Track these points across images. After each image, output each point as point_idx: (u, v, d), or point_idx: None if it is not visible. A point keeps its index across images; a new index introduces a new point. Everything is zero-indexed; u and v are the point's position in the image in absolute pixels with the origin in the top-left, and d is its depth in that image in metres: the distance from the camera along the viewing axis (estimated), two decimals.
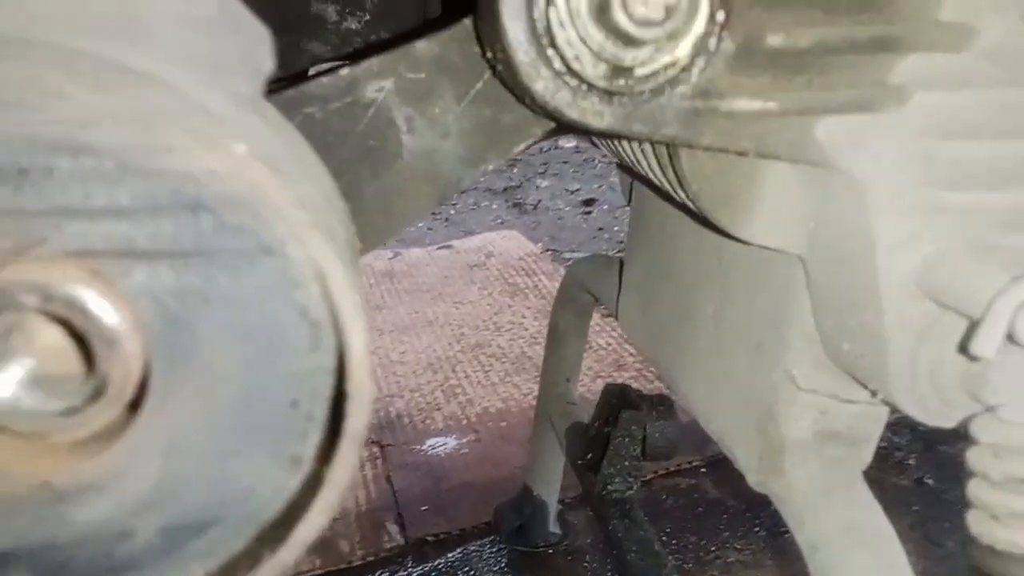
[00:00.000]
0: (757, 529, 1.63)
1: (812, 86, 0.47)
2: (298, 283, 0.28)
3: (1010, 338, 0.45)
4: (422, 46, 0.55)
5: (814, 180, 0.55)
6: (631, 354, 2.24)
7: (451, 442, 2.00)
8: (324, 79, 0.55)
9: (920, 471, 1.76)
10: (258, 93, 0.33)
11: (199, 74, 0.30)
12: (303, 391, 0.30)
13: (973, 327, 0.46)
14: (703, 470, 1.81)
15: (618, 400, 1.16)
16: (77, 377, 0.28)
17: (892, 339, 0.54)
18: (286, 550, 0.31)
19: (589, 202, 3.48)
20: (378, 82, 0.55)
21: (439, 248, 3.02)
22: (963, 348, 0.48)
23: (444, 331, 2.51)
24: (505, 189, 3.65)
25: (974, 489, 0.50)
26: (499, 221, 3.37)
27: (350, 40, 1.04)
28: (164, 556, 0.30)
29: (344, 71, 0.55)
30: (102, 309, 0.27)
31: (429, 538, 1.71)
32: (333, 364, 0.30)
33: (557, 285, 1.92)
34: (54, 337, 0.28)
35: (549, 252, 3.05)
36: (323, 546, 1.73)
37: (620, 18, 0.43)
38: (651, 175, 0.68)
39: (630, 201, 1.05)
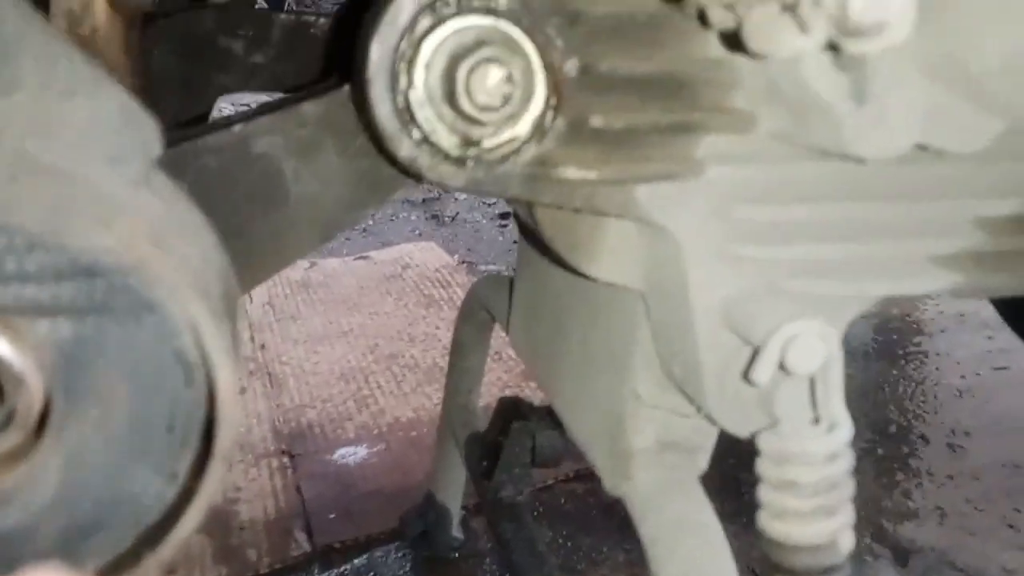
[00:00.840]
0: None
1: (629, 159, 0.57)
2: (174, 334, 0.36)
3: (782, 367, 0.56)
4: (308, 107, 0.63)
5: (646, 228, 0.65)
6: (517, 356, 2.35)
7: (361, 451, 2.06)
8: (220, 134, 0.62)
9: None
10: (151, 170, 0.41)
11: (100, 163, 0.37)
12: (178, 419, 0.37)
13: (753, 357, 0.57)
14: (595, 475, 1.92)
15: (510, 412, 1.26)
16: None
17: (705, 363, 0.64)
18: (164, 548, 0.38)
19: (505, 215, 3.58)
20: (268, 137, 0.63)
21: (356, 259, 3.07)
22: (746, 375, 0.58)
23: (359, 342, 2.56)
24: (423, 201, 3.71)
25: (761, 492, 0.60)
26: (416, 233, 3.43)
27: (257, 74, 1.11)
28: (63, 553, 0.37)
29: (237, 127, 0.62)
30: (10, 355, 0.34)
31: (336, 545, 1.77)
32: (204, 397, 0.37)
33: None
34: None
35: (465, 264, 3.13)
36: (230, 555, 1.76)
37: (465, 104, 0.52)
38: (527, 221, 0.78)
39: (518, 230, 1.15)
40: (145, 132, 0.40)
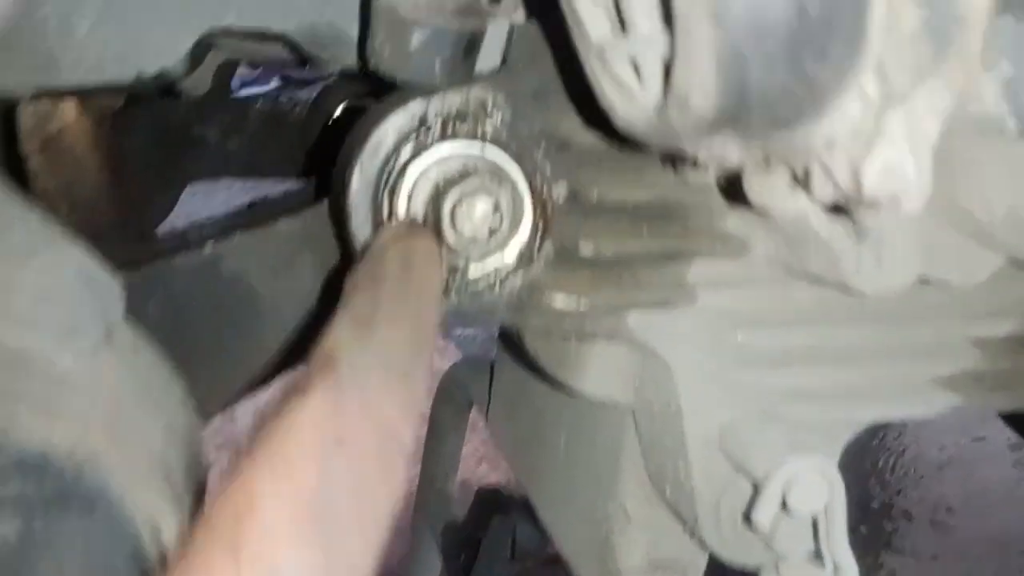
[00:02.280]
0: None
1: (620, 286, 0.55)
2: (131, 531, 0.32)
3: (784, 507, 0.54)
4: (284, 224, 0.60)
5: (636, 347, 0.63)
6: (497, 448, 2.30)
7: None
8: (189, 255, 0.59)
9: None
10: (110, 332, 0.38)
11: (53, 335, 0.34)
12: None
13: (754, 495, 0.54)
14: None
15: (489, 504, 1.21)
16: None
17: (699, 491, 0.62)
18: None
19: None
20: (241, 257, 0.60)
21: None
22: (747, 515, 0.56)
23: None
24: None
25: None
26: None
27: (231, 161, 1.09)
28: None
29: (208, 248, 0.59)
30: None
31: None
32: None
33: (447, 364, 1.95)
34: None
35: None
36: None
37: (450, 236, 0.50)
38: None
39: None
40: (105, 296, 0.37)
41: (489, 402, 1.14)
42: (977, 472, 1.91)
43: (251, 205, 0.74)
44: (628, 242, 0.54)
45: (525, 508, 1.21)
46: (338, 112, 1.05)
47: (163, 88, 0.86)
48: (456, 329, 3.12)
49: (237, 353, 0.61)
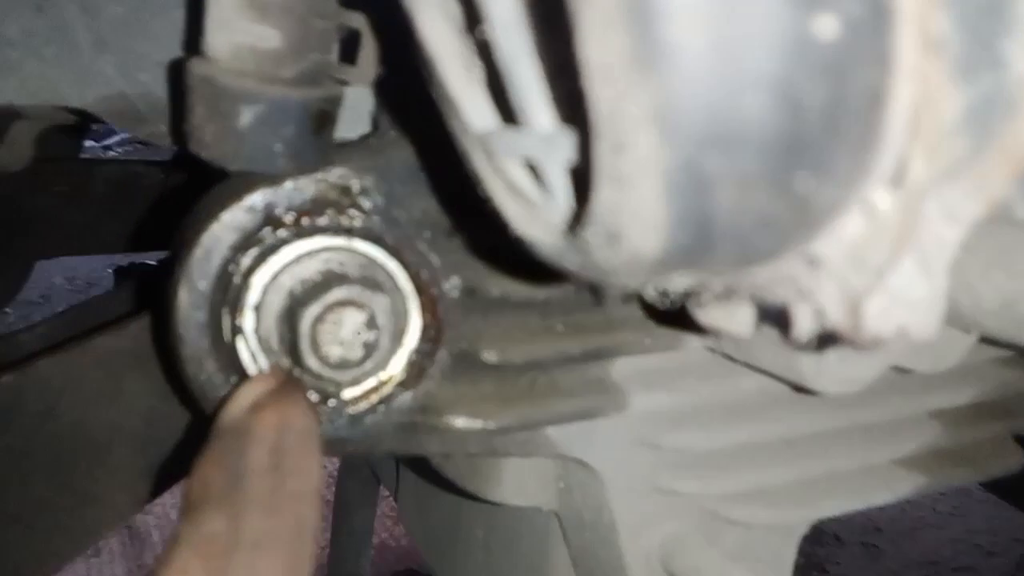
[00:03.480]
0: None
1: (533, 393, 0.45)
2: None
3: None
4: (106, 340, 0.48)
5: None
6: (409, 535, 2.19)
7: None
8: None
9: None
10: None
11: None
12: None
13: None
14: None
15: None
16: None
17: None
18: None
19: None
20: (51, 384, 0.47)
21: None
22: None
23: None
24: None
25: None
26: None
27: (76, 235, 0.94)
28: None
29: (6, 378, 0.46)
30: None
31: None
32: None
33: None
34: None
35: None
36: None
37: (312, 363, 0.39)
38: None
39: None
40: None
41: (397, 483, 1.02)
42: None
43: (78, 307, 0.60)
44: (540, 343, 0.44)
45: None
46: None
47: None
48: None
49: (55, 508, 0.48)
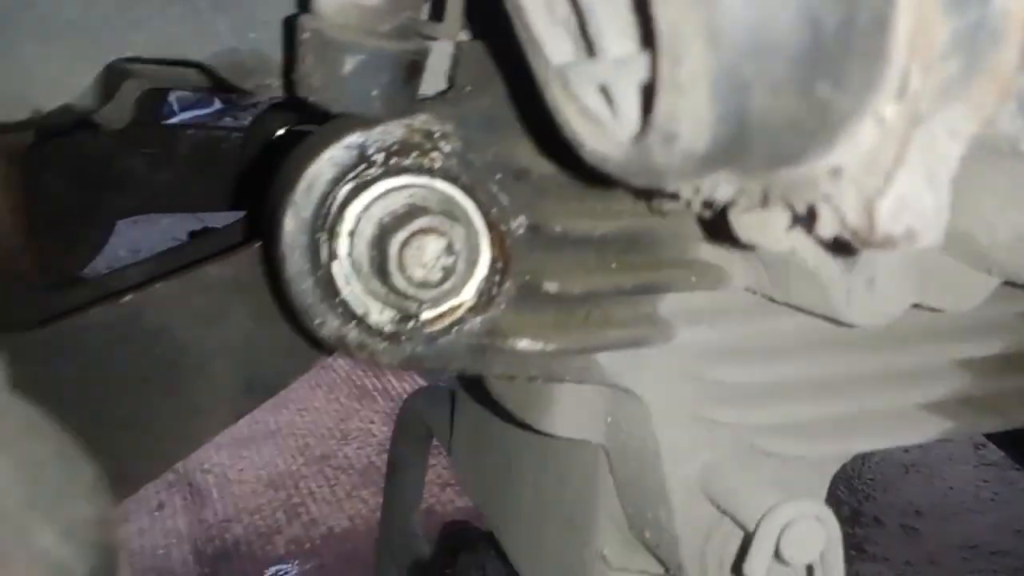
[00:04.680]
0: None
1: (589, 323, 0.50)
2: None
3: (777, 556, 0.49)
4: (213, 270, 0.54)
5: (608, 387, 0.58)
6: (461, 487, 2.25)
7: (293, 570, 1.90)
8: (106, 308, 0.52)
9: None
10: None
11: None
12: None
13: (745, 546, 0.49)
14: None
15: (456, 540, 1.15)
16: None
17: (682, 536, 0.57)
18: None
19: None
20: (165, 307, 0.53)
21: None
22: (737, 567, 0.51)
23: (287, 442, 2.41)
24: None
25: None
26: None
27: (162, 194, 1.01)
28: None
29: (127, 297, 0.53)
30: None
31: None
32: None
33: (407, 386, 1.83)
34: None
35: None
36: None
37: (399, 281, 0.45)
38: None
39: None
40: None
41: (451, 434, 1.09)
42: (943, 476, 1.91)
43: (176, 248, 0.67)
44: (596, 277, 0.49)
45: (493, 543, 1.16)
46: (278, 135, 0.99)
47: (77, 122, 0.80)
48: None
49: (165, 415, 0.55)
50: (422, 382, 1.71)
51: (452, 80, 0.50)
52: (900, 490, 1.83)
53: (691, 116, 0.23)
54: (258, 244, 0.53)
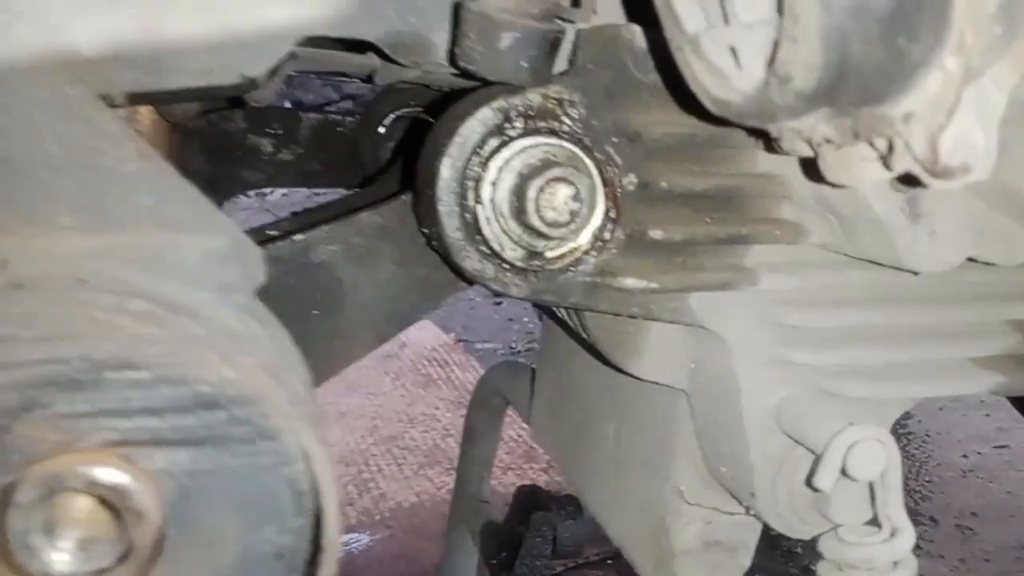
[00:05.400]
0: None
1: (685, 268, 0.59)
2: (288, 462, 0.36)
3: (844, 472, 0.57)
4: (366, 216, 0.65)
5: (692, 331, 0.67)
6: (540, 449, 2.33)
7: (364, 539, 2.01)
8: (282, 244, 0.63)
9: (807, 559, 1.90)
10: (253, 299, 0.42)
11: (212, 295, 0.38)
12: (287, 547, 0.37)
13: (816, 463, 0.58)
14: (609, 562, 1.90)
15: (530, 502, 1.24)
16: (107, 540, 0.35)
17: (756, 466, 0.65)
18: None
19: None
20: (327, 246, 0.64)
21: None
22: (808, 481, 0.59)
23: (357, 423, 2.53)
24: None
25: None
26: None
27: (283, 171, 1.14)
28: None
29: (298, 236, 0.64)
30: (133, 491, 0.34)
31: None
32: (312, 524, 0.38)
33: (469, 376, 1.92)
34: (89, 507, 0.35)
35: (461, 343, 3.12)
36: None
37: (534, 220, 0.54)
38: (562, 314, 0.79)
39: (542, 319, 1.16)
40: (251, 263, 0.41)
41: (531, 404, 1.18)
42: (1000, 480, 1.93)
43: (335, 202, 0.79)
44: (693, 228, 0.58)
45: (565, 506, 1.25)
46: (387, 123, 1.10)
47: (233, 98, 0.92)
48: (477, 343, 3.16)
49: (321, 335, 0.65)
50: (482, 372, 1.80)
51: (575, 59, 0.60)
52: (957, 493, 1.86)
53: (804, 62, 0.32)
54: (405, 196, 0.64)
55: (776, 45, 0.32)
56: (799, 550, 1.91)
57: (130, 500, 0.35)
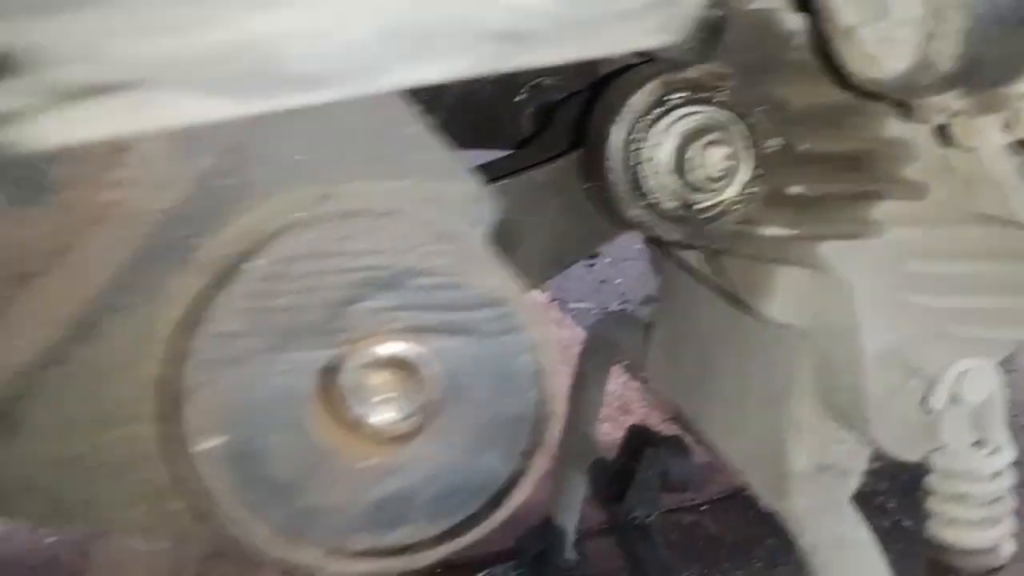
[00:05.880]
0: (755, 562, 1.82)
1: (819, 220, 0.69)
2: (528, 349, 0.49)
3: (953, 397, 0.67)
4: (537, 173, 0.77)
5: (817, 276, 0.77)
6: (636, 401, 2.44)
7: None
8: None
9: (898, 515, 1.96)
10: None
11: (470, 226, 0.51)
12: (524, 412, 0.50)
13: (929, 388, 0.67)
14: (702, 508, 2.00)
15: (641, 439, 1.36)
16: (404, 399, 0.48)
17: (873, 395, 0.75)
18: (502, 511, 0.51)
19: (592, 255, 3.69)
20: (505, 197, 0.76)
21: None
22: (920, 404, 0.69)
23: None
24: None
25: (931, 503, 0.70)
26: None
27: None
28: (431, 513, 0.51)
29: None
30: (423, 364, 0.48)
31: (456, 560, 1.88)
32: (540, 398, 0.50)
33: (565, 333, 2.02)
34: (392, 375, 0.48)
35: (556, 301, 3.24)
36: None
37: (694, 176, 0.65)
38: (694, 264, 0.90)
39: (658, 274, 1.27)
40: (488, 204, 0.54)
41: (645, 351, 1.29)
42: None
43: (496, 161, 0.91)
44: (828, 185, 0.68)
45: (675, 445, 1.36)
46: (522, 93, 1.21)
47: None
48: (570, 303, 3.28)
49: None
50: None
51: (731, 38, 0.69)
52: None
53: (946, 54, 0.41)
54: (571, 156, 0.76)
55: (925, 38, 0.42)
56: (892, 504, 1.97)
57: (421, 371, 0.48)
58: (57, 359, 0.48)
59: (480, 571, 1.84)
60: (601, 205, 0.72)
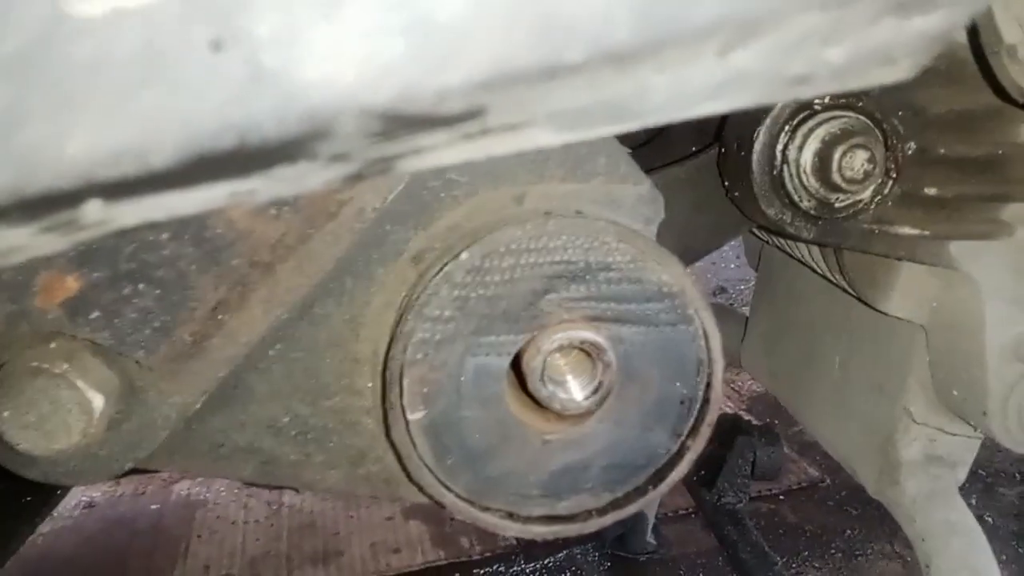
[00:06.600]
0: (834, 551, 1.84)
1: (951, 220, 0.72)
2: (696, 339, 0.54)
3: None
4: (675, 170, 0.81)
5: (937, 273, 0.80)
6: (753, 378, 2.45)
7: None
8: None
9: (980, 510, 1.96)
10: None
11: (641, 223, 0.56)
12: (688, 396, 0.55)
13: None
14: (781, 498, 2.03)
15: (732, 427, 1.40)
16: (587, 378, 0.54)
17: (992, 388, 0.78)
18: (663, 486, 0.56)
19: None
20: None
21: None
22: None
23: None
24: None
25: None
26: None
27: None
28: (601, 484, 0.56)
29: None
30: (604, 348, 0.53)
31: (538, 540, 1.94)
32: (704, 382, 0.55)
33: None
34: (576, 357, 0.54)
35: None
36: (446, 542, 1.97)
37: (836, 178, 0.69)
38: (807, 258, 0.93)
39: (757, 267, 1.30)
40: (659, 204, 0.58)
41: (743, 342, 1.33)
42: None
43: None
44: (961, 187, 0.71)
45: (765, 433, 1.39)
46: None
47: None
48: None
49: None
50: None
51: None
52: None
53: None
54: (699, 158, 0.80)
55: None
56: (973, 500, 1.97)
57: (602, 354, 0.53)
58: (281, 337, 0.55)
59: (560, 551, 1.90)
60: (737, 202, 0.77)
